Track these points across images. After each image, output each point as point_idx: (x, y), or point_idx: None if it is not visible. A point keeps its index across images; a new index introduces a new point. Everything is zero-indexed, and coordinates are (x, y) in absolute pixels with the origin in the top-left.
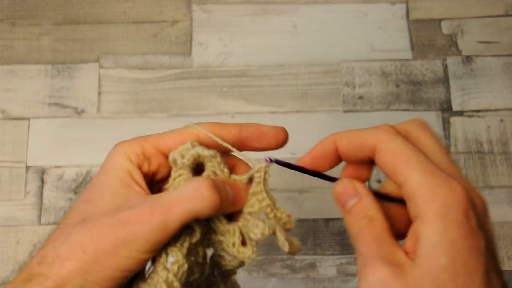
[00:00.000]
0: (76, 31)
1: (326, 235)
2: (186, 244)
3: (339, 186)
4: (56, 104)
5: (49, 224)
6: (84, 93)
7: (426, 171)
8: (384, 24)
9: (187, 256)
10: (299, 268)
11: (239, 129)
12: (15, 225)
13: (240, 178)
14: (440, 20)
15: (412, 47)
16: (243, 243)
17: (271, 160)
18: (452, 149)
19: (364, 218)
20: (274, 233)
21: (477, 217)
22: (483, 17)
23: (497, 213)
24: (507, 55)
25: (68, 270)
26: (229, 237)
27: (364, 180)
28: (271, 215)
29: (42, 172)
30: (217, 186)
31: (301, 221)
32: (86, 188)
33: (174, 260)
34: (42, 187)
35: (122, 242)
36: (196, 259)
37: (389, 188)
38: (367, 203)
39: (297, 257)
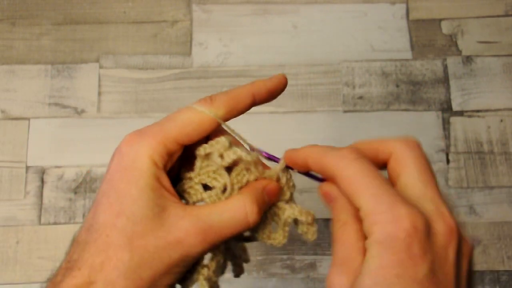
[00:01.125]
0: (76, 31)
1: (326, 235)
2: (222, 247)
3: (322, 187)
4: (56, 104)
5: (49, 224)
6: (84, 93)
7: (374, 198)
8: (384, 24)
9: (223, 251)
10: (299, 268)
11: (252, 96)
12: (15, 225)
13: (268, 173)
14: (440, 20)
15: (412, 47)
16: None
17: (269, 157)
18: (452, 149)
19: (337, 222)
20: (306, 217)
21: (423, 244)
22: (483, 17)
23: (497, 213)
24: (507, 55)
25: (114, 280)
26: (299, 215)
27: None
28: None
29: (42, 172)
30: (259, 202)
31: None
32: (112, 196)
33: (212, 257)
34: (42, 187)
35: (175, 265)
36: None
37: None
38: (339, 206)
39: (297, 257)
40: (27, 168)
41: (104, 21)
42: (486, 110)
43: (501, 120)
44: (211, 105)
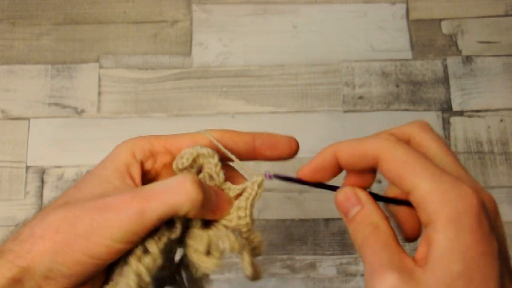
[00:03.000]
0: (76, 31)
1: (326, 235)
2: (164, 239)
3: (340, 195)
4: (56, 104)
5: None
6: (84, 93)
7: (433, 177)
8: (384, 24)
9: (163, 251)
10: (299, 268)
11: (252, 137)
12: (15, 225)
13: (233, 187)
14: (440, 20)
15: (412, 47)
16: (208, 253)
17: (270, 177)
18: (452, 149)
19: (368, 226)
20: (241, 253)
21: (489, 220)
22: (483, 17)
23: None
24: (507, 55)
25: (39, 248)
26: (195, 242)
27: (367, 187)
28: (245, 235)
29: (42, 172)
30: (203, 186)
31: (301, 221)
32: (83, 176)
33: (148, 253)
34: (42, 187)
35: (96, 227)
36: (170, 256)
37: (393, 193)
38: (370, 211)
39: (297, 257)
40: (27, 168)
41: (104, 21)
42: (486, 110)
43: (501, 120)
44: (210, 131)
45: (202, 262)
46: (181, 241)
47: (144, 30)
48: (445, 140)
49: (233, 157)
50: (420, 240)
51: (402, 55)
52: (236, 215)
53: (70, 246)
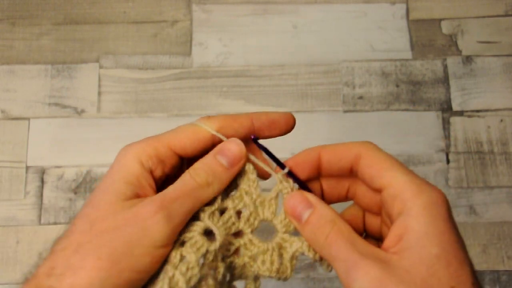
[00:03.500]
0: (76, 31)
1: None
2: (202, 249)
3: (291, 200)
4: (56, 104)
5: (49, 224)
6: (84, 93)
7: (408, 173)
8: (384, 24)
9: (203, 264)
10: (299, 268)
11: (250, 120)
12: (15, 225)
13: (267, 195)
14: (440, 20)
15: (412, 47)
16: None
17: (255, 138)
18: (452, 149)
19: (326, 224)
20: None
21: (453, 218)
22: (483, 17)
23: (497, 213)
24: (507, 55)
25: (83, 279)
26: (264, 257)
27: (341, 200)
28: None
29: (42, 172)
30: (206, 164)
31: None
32: (92, 191)
33: (185, 260)
34: (42, 187)
35: (136, 239)
36: (214, 274)
37: (349, 214)
38: (324, 210)
39: None
40: (27, 168)
41: (104, 21)
42: (486, 110)
43: (501, 120)
44: (207, 120)
45: (282, 273)
46: (224, 259)
47: (144, 30)
48: (444, 139)
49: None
50: (390, 230)
51: (402, 55)
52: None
53: (116, 268)
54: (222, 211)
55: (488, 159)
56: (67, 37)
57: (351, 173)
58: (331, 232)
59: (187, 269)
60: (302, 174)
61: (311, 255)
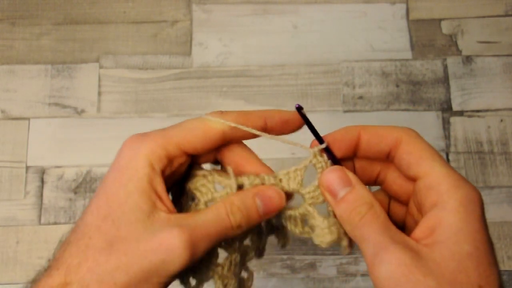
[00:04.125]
0: (76, 31)
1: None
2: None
3: (330, 174)
4: (56, 104)
5: (49, 224)
6: (84, 93)
7: (448, 166)
8: (384, 24)
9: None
10: (299, 268)
11: (263, 120)
12: (15, 225)
13: (293, 167)
14: (440, 20)
15: (412, 47)
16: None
17: (300, 108)
18: (452, 149)
19: (363, 205)
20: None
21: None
22: (483, 17)
23: (497, 213)
24: (507, 55)
25: None
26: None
27: (369, 184)
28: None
29: (42, 172)
30: (244, 206)
31: None
32: (102, 198)
33: (227, 255)
34: (42, 187)
35: (155, 270)
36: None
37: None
38: (363, 191)
39: (297, 257)
40: (27, 168)
41: (104, 21)
42: (486, 110)
43: (501, 120)
44: (220, 116)
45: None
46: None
47: (144, 30)
48: (444, 139)
49: (263, 134)
50: (422, 221)
51: (402, 55)
52: (319, 193)
53: (144, 279)
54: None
55: (488, 159)
56: (67, 37)
57: (387, 157)
58: (367, 214)
59: (231, 262)
60: (338, 151)
61: (345, 248)
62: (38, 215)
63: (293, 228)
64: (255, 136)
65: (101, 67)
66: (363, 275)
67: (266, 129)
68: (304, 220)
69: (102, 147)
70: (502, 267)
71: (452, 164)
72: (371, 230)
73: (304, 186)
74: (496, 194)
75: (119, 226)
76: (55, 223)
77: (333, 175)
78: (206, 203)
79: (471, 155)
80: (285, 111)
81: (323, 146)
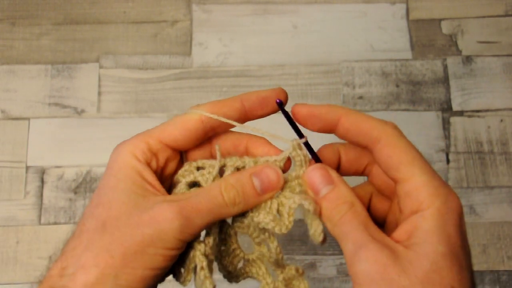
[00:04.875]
0: (76, 31)
1: (326, 235)
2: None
3: (313, 172)
4: (56, 104)
5: (49, 224)
6: (84, 93)
7: (428, 172)
8: (384, 24)
9: (222, 233)
10: None
11: (240, 101)
12: (15, 225)
13: (275, 159)
14: (440, 20)
15: (412, 47)
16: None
17: (280, 102)
18: (452, 149)
19: (344, 204)
20: (314, 213)
21: (464, 225)
22: (483, 17)
23: (497, 213)
24: (507, 55)
25: (95, 277)
26: (263, 209)
27: (357, 174)
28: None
29: (42, 172)
30: (239, 184)
31: (301, 221)
32: (95, 192)
33: (208, 233)
34: (42, 187)
35: (150, 241)
36: (220, 235)
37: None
38: (345, 190)
39: (297, 257)
40: (27, 168)
41: (104, 21)
42: (486, 110)
43: (501, 120)
44: (196, 108)
45: (317, 226)
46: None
47: (144, 30)
48: (444, 139)
49: (238, 124)
50: (400, 226)
51: (402, 55)
52: (297, 183)
53: (130, 265)
54: (222, 171)
55: (488, 159)
56: (67, 37)
57: (367, 149)
58: (348, 212)
59: (214, 240)
60: (312, 126)
61: (311, 207)
62: (38, 215)
63: (265, 215)
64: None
65: (101, 67)
66: None
67: (245, 112)
68: (280, 210)
69: (102, 147)
70: (502, 267)
71: (452, 164)
72: (350, 228)
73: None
74: (496, 194)
75: (111, 207)
76: (55, 223)
77: (316, 173)
78: (187, 184)
79: (471, 155)
80: (261, 90)
81: (303, 140)
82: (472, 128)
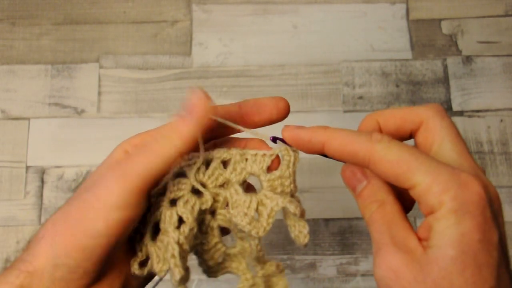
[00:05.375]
0: (76, 31)
1: (326, 235)
2: (196, 208)
3: (347, 170)
4: (56, 104)
5: None
6: (84, 93)
7: (430, 170)
8: (384, 24)
9: (196, 220)
10: (299, 268)
11: (238, 105)
12: (15, 225)
13: (264, 153)
14: (440, 20)
15: (412, 47)
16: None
17: (275, 140)
18: None
19: (374, 203)
20: (299, 216)
21: (492, 208)
22: (483, 17)
23: None
24: (507, 55)
25: (41, 248)
26: (243, 207)
27: (406, 138)
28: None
29: (42, 172)
30: (166, 124)
31: None
32: (83, 183)
33: (185, 222)
34: (42, 187)
35: (89, 204)
36: (202, 228)
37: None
38: (376, 186)
39: (297, 257)
40: (27, 168)
41: (104, 21)
42: (486, 110)
43: (501, 120)
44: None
45: (255, 228)
46: (212, 213)
47: (144, 30)
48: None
49: (239, 126)
50: (421, 224)
51: (402, 55)
52: (279, 183)
53: (68, 232)
54: (208, 163)
55: (488, 159)
56: (67, 37)
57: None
58: (375, 212)
59: (189, 229)
60: (304, 150)
61: (297, 211)
62: (38, 215)
63: (242, 217)
64: (237, 130)
65: (101, 67)
66: (363, 275)
67: (242, 116)
68: (260, 210)
69: (102, 147)
70: None
71: None
72: (375, 229)
73: (265, 174)
74: None
75: (86, 187)
76: None
77: (349, 170)
78: (174, 174)
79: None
80: (261, 97)
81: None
82: (472, 128)
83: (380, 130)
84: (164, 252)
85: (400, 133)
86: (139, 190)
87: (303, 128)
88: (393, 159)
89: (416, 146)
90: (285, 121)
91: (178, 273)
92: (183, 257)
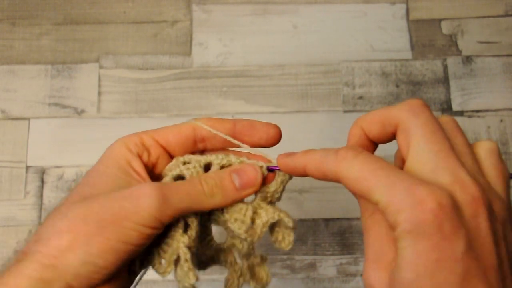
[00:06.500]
0: (76, 31)
1: (326, 235)
2: (199, 212)
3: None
4: (56, 104)
5: None
6: (84, 93)
7: (387, 189)
8: (384, 24)
9: (200, 225)
10: (299, 268)
11: (233, 123)
12: (15, 225)
13: (262, 165)
14: (440, 20)
15: (412, 47)
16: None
17: (272, 170)
18: None
19: (365, 211)
20: (288, 228)
21: (453, 221)
22: (483, 17)
23: None
24: (507, 55)
25: (68, 242)
26: (239, 214)
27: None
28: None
29: (42, 172)
30: (219, 178)
31: (301, 221)
32: (84, 176)
33: (191, 227)
34: (42, 187)
35: (126, 214)
36: (205, 235)
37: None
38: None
39: (297, 257)
40: (27, 168)
41: (104, 21)
42: (486, 110)
43: (501, 120)
44: (194, 120)
45: (288, 235)
46: (215, 219)
47: (144, 30)
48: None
49: (235, 141)
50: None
51: (402, 55)
52: (270, 195)
53: (104, 235)
54: (207, 167)
55: None
56: (67, 37)
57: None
58: (368, 218)
59: (196, 233)
60: (295, 175)
61: (291, 224)
62: (38, 215)
63: (240, 225)
64: (232, 144)
65: (101, 67)
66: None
67: (234, 133)
68: (253, 218)
69: (102, 147)
70: None
71: None
72: (364, 236)
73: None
74: None
75: (94, 186)
76: None
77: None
78: (173, 177)
79: None
80: (257, 120)
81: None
82: (472, 128)
83: (366, 137)
84: (171, 255)
85: (383, 137)
86: (172, 218)
87: (290, 155)
88: (355, 177)
89: (398, 148)
90: (287, 123)
91: (193, 276)
92: (193, 260)
